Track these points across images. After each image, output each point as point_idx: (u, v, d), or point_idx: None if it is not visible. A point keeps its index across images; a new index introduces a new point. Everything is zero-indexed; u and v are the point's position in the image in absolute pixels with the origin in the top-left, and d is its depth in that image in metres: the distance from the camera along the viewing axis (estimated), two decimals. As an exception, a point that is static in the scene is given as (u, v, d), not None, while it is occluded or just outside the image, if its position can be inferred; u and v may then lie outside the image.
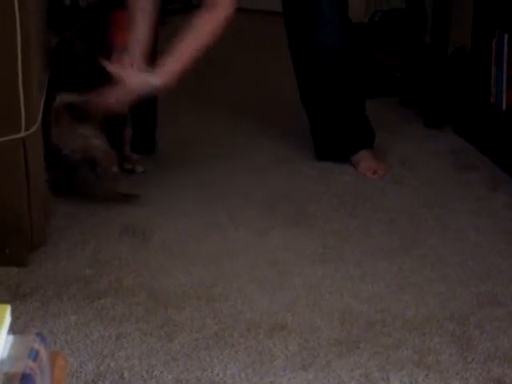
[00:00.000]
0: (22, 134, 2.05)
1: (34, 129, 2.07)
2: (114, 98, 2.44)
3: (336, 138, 2.76)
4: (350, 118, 2.76)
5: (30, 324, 1.95)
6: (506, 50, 2.78)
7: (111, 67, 2.42)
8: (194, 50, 2.42)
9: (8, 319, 1.12)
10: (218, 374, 1.81)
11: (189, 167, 2.77)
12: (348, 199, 2.57)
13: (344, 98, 2.74)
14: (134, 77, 2.44)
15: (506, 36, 2.77)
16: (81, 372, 1.80)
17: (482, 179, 2.69)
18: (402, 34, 3.32)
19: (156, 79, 2.42)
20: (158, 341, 1.91)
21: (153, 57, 2.56)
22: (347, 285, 2.14)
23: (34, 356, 1.09)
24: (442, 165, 2.79)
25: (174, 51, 2.42)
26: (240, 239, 2.35)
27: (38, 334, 1.14)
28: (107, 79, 2.44)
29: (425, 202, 2.55)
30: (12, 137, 2.05)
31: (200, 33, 2.41)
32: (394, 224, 2.43)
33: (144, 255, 2.27)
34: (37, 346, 1.12)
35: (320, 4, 2.61)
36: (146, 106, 2.68)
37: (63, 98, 2.46)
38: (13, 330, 1.14)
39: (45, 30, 2.41)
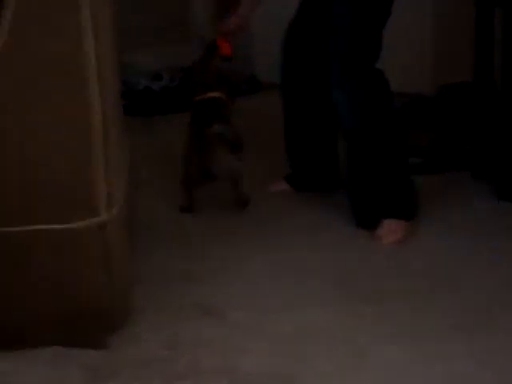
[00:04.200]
0: (103, 217, 2.07)
1: (115, 211, 2.10)
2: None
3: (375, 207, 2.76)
4: (389, 188, 2.75)
5: (110, 407, 1.95)
6: None
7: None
8: None
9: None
10: None
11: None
12: (420, 275, 2.54)
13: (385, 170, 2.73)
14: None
15: None
16: None
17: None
18: (471, 106, 3.30)
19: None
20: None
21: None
22: (423, 363, 2.09)
23: None
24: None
25: None
26: (317, 319, 2.32)
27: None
28: None
29: (501, 280, 2.50)
30: (91, 220, 2.07)
31: None
32: (469, 301, 2.38)
33: (222, 335, 2.25)
34: None
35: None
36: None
37: (219, 128, 2.84)
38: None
39: (121, 113, 2.47)
